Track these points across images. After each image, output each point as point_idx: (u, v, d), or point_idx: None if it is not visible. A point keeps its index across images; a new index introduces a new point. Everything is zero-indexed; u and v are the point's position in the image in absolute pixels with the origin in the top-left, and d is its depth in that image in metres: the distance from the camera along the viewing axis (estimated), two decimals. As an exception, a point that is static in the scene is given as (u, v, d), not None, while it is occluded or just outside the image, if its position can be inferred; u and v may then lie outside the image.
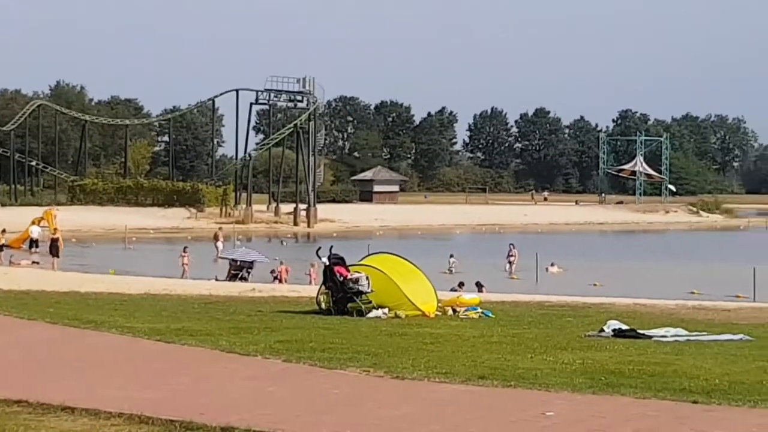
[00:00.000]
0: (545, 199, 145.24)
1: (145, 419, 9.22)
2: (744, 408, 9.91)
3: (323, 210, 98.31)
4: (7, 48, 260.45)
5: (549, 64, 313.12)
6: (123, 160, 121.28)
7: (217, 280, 39.70)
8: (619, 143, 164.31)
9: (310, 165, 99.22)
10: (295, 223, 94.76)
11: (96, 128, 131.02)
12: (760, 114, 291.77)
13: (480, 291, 32.31)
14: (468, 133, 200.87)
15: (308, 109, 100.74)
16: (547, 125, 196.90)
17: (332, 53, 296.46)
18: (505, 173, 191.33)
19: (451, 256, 50.24)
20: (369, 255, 23.64)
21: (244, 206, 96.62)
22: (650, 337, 16.55)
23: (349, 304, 20.41)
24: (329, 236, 75.67)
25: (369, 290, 20.58)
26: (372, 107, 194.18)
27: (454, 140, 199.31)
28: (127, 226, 74.67)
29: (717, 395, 10.52)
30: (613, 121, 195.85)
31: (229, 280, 39.86)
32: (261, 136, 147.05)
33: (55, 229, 52.58)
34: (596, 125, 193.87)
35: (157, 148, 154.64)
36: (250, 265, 42.52)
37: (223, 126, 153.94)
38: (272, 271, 42.14)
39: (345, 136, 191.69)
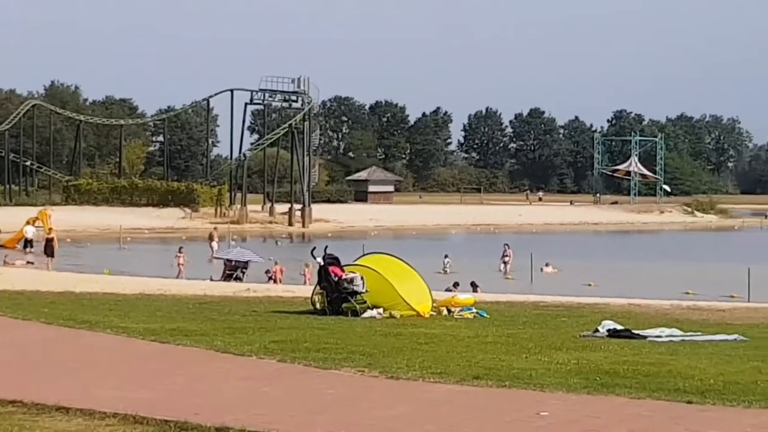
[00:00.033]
0: (540, 200, 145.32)
1: (139, 419, 9.21)
2: (738, 408, 9.91)
3: (318, 210, 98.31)
4: (1, 48, 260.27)
5: (543, 65, 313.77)
6: (118, 160, 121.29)
7: (211, 280, 39.71)
8: (613, 143, 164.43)
9: (304, 165, 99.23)
10: (290, 223, 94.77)
11: (91, 128, 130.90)
12: (755, 114, 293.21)
13: (475, 291, 32.28)
14: (463, 133, 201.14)
15: (303, 109, 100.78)
16: (542, 125, 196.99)
17: (326, 53, 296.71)
18: (499, 173, 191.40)
19: (446, 256, 50.26)
20: (364, 255, 23.66)
21: (238, 206, 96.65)
22: (645, 337, 16.56)
23: (344, 304, 20.40)
24: (324, 236, 75.64)
25: (364, 290, 20.57)
26: (367, 107, 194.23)
27: (449, 140, 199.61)
28: (121, 226, 74.60)
29: (712, 395, 10.52)
30: (608, 121, 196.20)
31: (224, 280, 39.85)
32: (256, 136, 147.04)
33: (50, 229, 52.60)
34: (591, 125, 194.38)
35: (151, 148, 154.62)
36: (245, 265, 42.55)
37: (218, 126, 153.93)
38: (267, 272, 42.16)
39: (340, 136, 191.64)
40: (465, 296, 23.39)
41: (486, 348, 14.74)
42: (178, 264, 46.29)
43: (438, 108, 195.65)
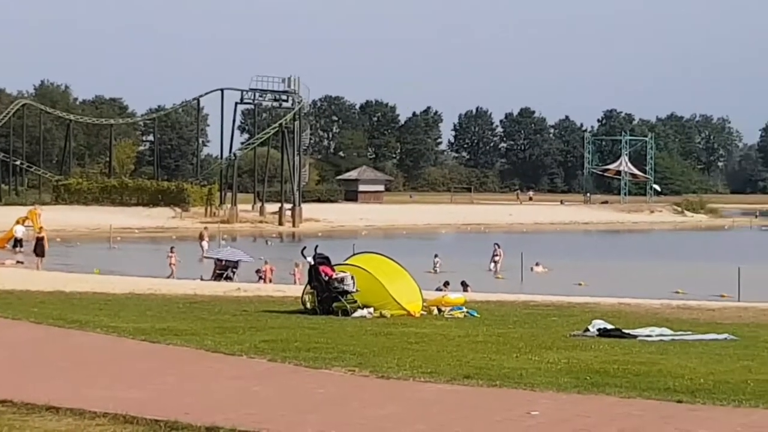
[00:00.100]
0: (530, 199, 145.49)
1: (130, 419, 9.20)
2: (728, 407, 9.93)
3: (308, 209, 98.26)
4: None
5: (535, 65, 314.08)
6: (108, 159, 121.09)
7: (202, 279, 39.65)
8: (604, 143, 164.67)
9: (295, 164, 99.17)
10: (280, 223, 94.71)
11: (81, 128, 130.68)
12: (745, 114, 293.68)
13: (465, 290, 32.28)
14: (453, 132, 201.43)
15: (293, 109, 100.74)
16: (532, 125, 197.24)
17: (316, 53, 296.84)
18: (490, 173, 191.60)
19: (436, 255, 50.26)
20: (354, 254, 23.67)
21: (229, 206, 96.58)
22: (635, 336, 16.57)
23: (335, 304, 20.38)
24: (314, 236, 75.58)
25: (354, 290, 20.55)
26: (357, 107, 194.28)
27: (439, 140, 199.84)
28: (111, 225, 74.45)
29: (702, 395, 10.53)
30: (598, 121, 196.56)
31: (214, 280, 39.81)
32: (246, 135, 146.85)
33: (40, 228, 52.42)
34: (581, 125, 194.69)
35: (141, 148, 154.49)
36: (235, 264, 42.51)
37: (208, 125, 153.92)
38: (257, 271, 42.12)
39: (330, 136, 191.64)
40: (455, 296, 23.37)
41: (476, 347, 14.74)
42: (171, 264, 46.27)
43: (428, 107, 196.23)
